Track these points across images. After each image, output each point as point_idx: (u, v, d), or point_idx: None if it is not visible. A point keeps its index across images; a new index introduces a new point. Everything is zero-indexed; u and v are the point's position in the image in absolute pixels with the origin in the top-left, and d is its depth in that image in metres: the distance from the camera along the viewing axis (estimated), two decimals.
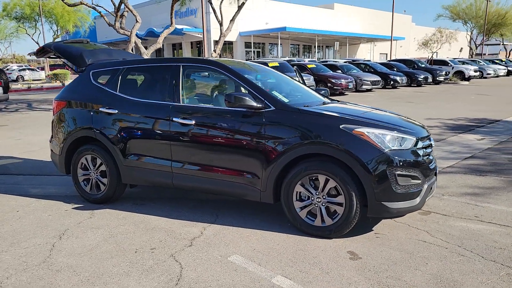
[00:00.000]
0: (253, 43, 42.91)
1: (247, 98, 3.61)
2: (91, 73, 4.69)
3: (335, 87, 17.14)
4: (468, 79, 26.98)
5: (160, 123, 4.07)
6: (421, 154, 3.45)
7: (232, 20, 20.04)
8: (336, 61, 25.29)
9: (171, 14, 14.51)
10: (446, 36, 31.08)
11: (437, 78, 23.86)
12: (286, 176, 3.55)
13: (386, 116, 3.85)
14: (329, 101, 4.39)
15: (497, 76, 31.81)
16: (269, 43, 45.64)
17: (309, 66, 19.03)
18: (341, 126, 3.36)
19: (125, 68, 4.49)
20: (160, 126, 4.07)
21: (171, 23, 14.79)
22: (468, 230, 3.59)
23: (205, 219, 4.03)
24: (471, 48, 45.88)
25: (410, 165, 3.30)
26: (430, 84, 23.85)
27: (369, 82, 19.33)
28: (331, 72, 18.80)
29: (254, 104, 3.62)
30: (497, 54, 58.28)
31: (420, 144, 3.49)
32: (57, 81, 29.68)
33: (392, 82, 20.76)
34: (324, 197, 3.43)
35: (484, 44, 45.72)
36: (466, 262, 3.00)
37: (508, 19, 41.75)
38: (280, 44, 42.24)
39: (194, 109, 4.01)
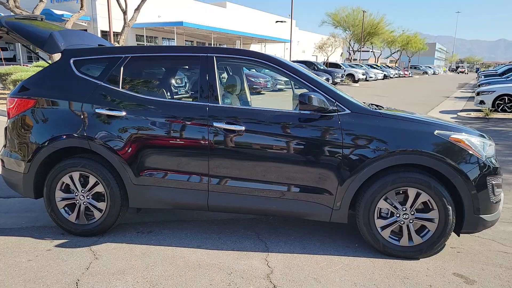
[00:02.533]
0: (146, 36, 40.44)
1: (322, 99, 3.02)
2: (72, 61, 3.48)
3: (254, 86, 16.96)
4: (357, 81, 29.65)
5: (193, 129, 3.19)
6: None
7: (137, 9, 18.44)
8: None
9: None
10: (339, 42, 33.82)
11: (335, 80, 25.61)
12: (366, 190, 3.06)
13: (448, 122, 3.63)
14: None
15: (376, 79, 35.72)
16: (163, 38, 43.60)
17: None
18: (435, 132, 3.01)
19: (129, 57, 3.41)
20: (194, 132, 3.19)
21: (81, 6, 12.71)
22: None
23: (250, 246, 3.29)
24: (349, 54, 50.86)
25: (498, 173, 3.11)
26: None
27: (283, 82, 19.66)
28: (248, 70, 18.56)
29: (329, 106, 3.05)
30: (367, 60, 65.74)
31: None
32: None
33: None
34: (412, 213, 3.04)
35: (358, 51, 50.96)
36: None
37: (379, 29, 47.41)
38: (174, 39, 40.64)
39: (241, 111, 3.23)
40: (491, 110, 12.55)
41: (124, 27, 18.28)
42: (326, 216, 3.15)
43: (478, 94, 13.90)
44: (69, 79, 3.42)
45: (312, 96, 2.98)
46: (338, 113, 3.09)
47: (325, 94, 3.13)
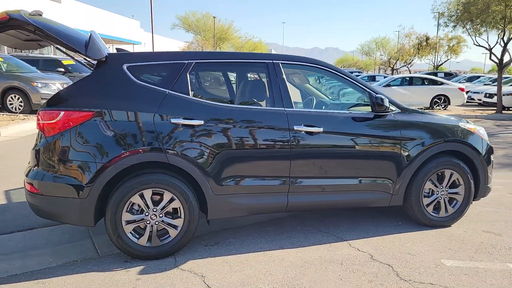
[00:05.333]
0: None
1: (387, 101, 3.51)
2: (125, 68, 3.10)
3: None
4: None
5: (275, 134, 3.27)
6: None
7: None
8: None
9: None
10: (201, 47, 34.25)
11: None
12: (417, 175, 3.68)
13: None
14: None
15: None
16: None
17: (65, 62, 15.85)
18: (460, 124, 3.82)
19: (193, 63, 3.23)
20: (276, 136, 3.27)
21: None
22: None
23: (324, 239, 3.56)
24: None
25: (493, 151, 4.11)
26: None
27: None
28: None
29: (391, 106, 3.56)
30: None
31: None
32: None
33: None
34: (447, 189, 3.80)
35: None
36: None
37: (229, 35, 49.92)
38: None
39: (317, 114, 3.45)
40: None
41: None
42: (387, 201, 3.65)
43: None
44: (130, 88, 3.06)
45: (383, 97, 3.44)
46: (392, 112, 3.62)
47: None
